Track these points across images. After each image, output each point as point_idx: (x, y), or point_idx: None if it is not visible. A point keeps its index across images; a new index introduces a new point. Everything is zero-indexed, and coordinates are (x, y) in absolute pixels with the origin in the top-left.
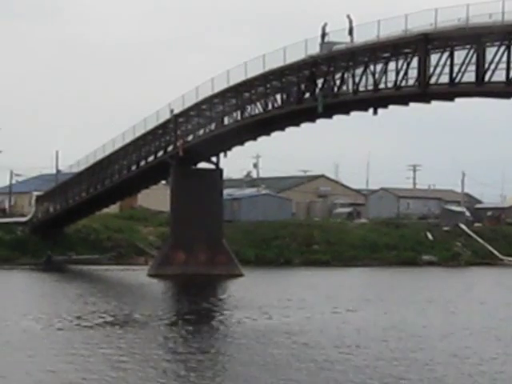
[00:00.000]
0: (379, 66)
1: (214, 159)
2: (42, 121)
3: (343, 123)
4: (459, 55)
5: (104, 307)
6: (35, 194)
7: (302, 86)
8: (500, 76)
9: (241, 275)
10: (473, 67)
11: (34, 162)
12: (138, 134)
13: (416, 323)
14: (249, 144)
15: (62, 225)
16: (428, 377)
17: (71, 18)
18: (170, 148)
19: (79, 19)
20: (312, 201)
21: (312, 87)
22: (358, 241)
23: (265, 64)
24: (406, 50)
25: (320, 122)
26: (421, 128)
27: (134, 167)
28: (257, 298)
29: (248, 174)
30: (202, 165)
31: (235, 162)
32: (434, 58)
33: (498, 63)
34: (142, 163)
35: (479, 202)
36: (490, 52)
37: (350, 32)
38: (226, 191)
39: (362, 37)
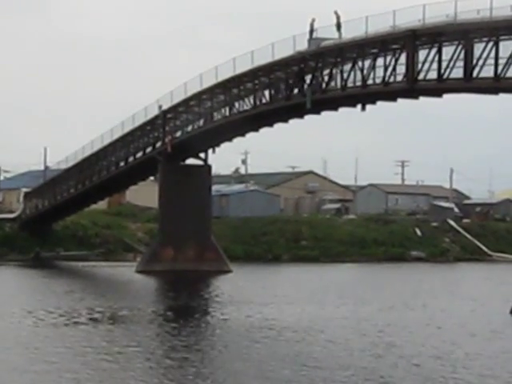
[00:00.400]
0: (367, 62)
1: (202, 155)
2: (30, 117)
3: (331, 119)
4: (447, 51)
5: (91, 303)
6: (23, 190)
7: (291, 82)
8: (488, 72)
9: (229, 271)
10: (461, 63)
11: (22, 159)
12: (127, 130)
13: (402, 319)
14: (237, 140)
15: (51, 221)
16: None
17: (62, 13)
18: (158, 144)
19: (70, 15)
20: (300, 197)
21: (300, 83)
22: (346, 237)
23: (253, 60)
24: (394, 46)
25: (308, 117)
26: (409, 124)
27: (122, 163)
28: (244, 295)
29: (236, 170)
30: (191, 161)
31: (224, 158)
32: (422, 53)
33: (486, 59)
34: (131, 159)
35: (467, 197)
36: (478, 48)
37: (338, 28)
38: (214, 187)
39: (350, 33)
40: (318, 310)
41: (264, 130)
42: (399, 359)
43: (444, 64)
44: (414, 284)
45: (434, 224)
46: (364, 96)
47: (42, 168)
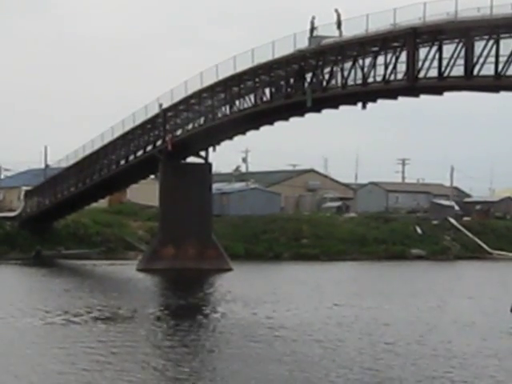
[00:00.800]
0: (368, 60)
1: (202, 153)
2: (30, 115)
3: (332, 117)
4: (448, 49)
5: (91, 302)
6: (24, 188)
7: (291, 80)
8: (489, 70)
9: (230, 269)
10: (461, 61)
11: (22, 157)
12: (127, 128)
13: (400, 318)
14: (238, 138)
15: (51, 220)
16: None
17: (62, 13)
18: (158, 142)
19: (70, 15)
20: (301, 195)
21: (301, 81)
22: (346, 235)
23: (254, 58)
24: (395, 44)
25: (309, 116)
26: (410, 122)
27: (122, 162)
28: (244, 293)
29: (237, 169)
30: (191, 159)
31: (224, 157)
32: (422, 51)
33: (486, 57)
34: (131, 158)
35: (468, 195)
36: (479, 46)
37: (339, 26)
38: (215, 186)
39: (351, 31)
40: (317, 308)
41: (264, 128)
42: (396, 357)
43: (444, 62)
44: (421, 282)
45: (435, 222)
46: (364, 94)
47: (43, 166)
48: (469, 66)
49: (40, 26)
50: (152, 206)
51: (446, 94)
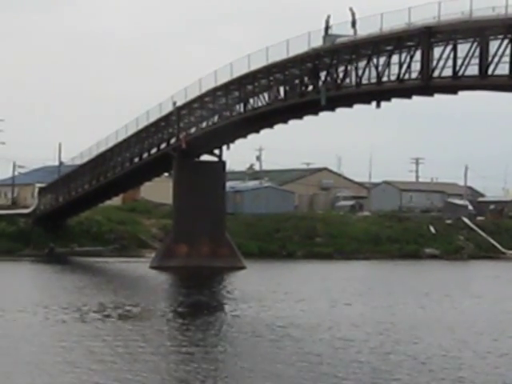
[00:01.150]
0: (382, 59)
1: (216, 152)
2: (45, 113)
3: (346, 116)
4: (462, 48)
5: (103, 299)
6: (38, 185)
7: (305, 79)
8: (503, 69)
9: (243, 268)
10: (476, 60)
11: (36, 154)
12: (141, 126)
13: (413, 318)
14: (252, 136)
15: (65, 217)
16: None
17: (75, 10)
18: (172, 140)
19: (84, 12)
20: (315, 193)
21: (315, 80)
22: (360, 234)
23: (268, 57)
24: (409, 43)
25: (323, 114)
26: (424, 121)
27: (136, 159)
28: (257, 291)
29: (251, 167)
30: (205, 157)
31: (238, 155)
32: (437, 51)
33: (501, 56)
34: (145, 155)
35: (482, 195)
36: (494, 45)
37: (353, 25)
38: (228, 184)
39: (365, 30)
40: (329, 307)
41: (278, 127)
42: (404, 355)
43: (459, 61)
44: (434, 282)
45: (448, 221)
46: (379, 93)
47: (57, 163)
48: (483, 65)
49: (55, 23)
50: (166, 204)
51: (461, 94)
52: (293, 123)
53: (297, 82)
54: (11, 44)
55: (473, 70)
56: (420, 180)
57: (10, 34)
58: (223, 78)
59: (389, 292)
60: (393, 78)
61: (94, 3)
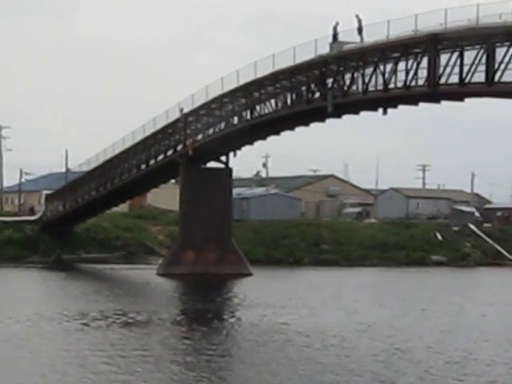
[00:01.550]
0: (389, 66)
1: (223, 158)
2: (51, 119)
3: (353, 123)
4: (469, 55)
5: (108, 306)
6: (45, 192)
7: (312, 86)
8: (510, 76)
9: (250, 274)
10: (483, 67)
11: (43, 161)
12: (148, 132)
13: (420, 326)
14: (258, 143)
15: (72, 223)
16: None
17: (84, 17)
18: (179, 147)
19: (89, 18)
20: (321, 200)
21: (322, 87)
22: (367, 241)
23: (274, 63)
24: (416, 50)
25: (329, 121)
26: (430, 128)
27: (143, 166)
28: (263, 298)
29: (257, 174)
30: (212, 164)
31: (245, 162)
32: (443, 58)
33: (507, 63)
34: (152, 162)
35: (488, 202)
36: (500, 52)
37: (360, 32)
38: (235, 190)
39: (372, 37)
40: (335, 315)
41: (285, 134)
42: (407, 362)
43: (466, 68)
44: (441, 290)
45: (455, 228)
46: (385, 100)
47: (64, 170)
48: (490, 72)
49: (63, 29)
50: (172, 211)
51: (467, 100)
52: (299, 130)
53: (303, 88)
54: (17, 50)
55: (479, 76)
56: (427, 187)
57: (17, 40)
58: (230, 85)
59: (395, 301)
60: (399, 84)
61: (103, 9)
